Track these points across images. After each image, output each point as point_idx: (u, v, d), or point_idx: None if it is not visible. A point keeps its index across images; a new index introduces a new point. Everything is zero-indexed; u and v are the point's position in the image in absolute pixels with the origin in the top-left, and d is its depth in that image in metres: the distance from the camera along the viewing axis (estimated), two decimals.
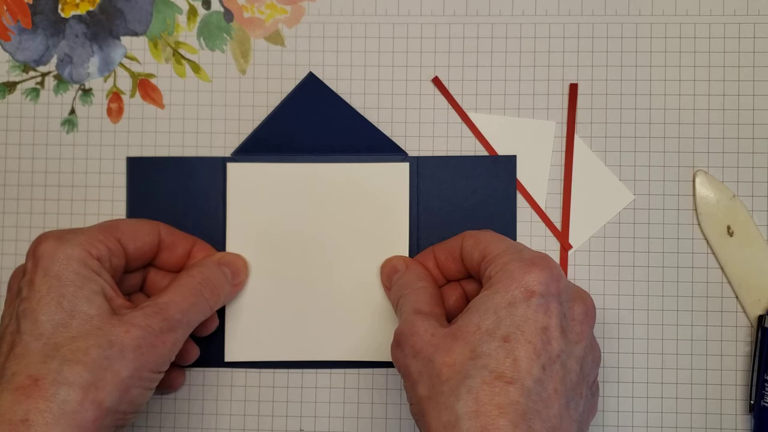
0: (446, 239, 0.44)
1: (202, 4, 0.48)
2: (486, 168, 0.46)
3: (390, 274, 0.44)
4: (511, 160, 0.46)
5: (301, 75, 0.47)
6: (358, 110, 0.47)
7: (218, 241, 0.46)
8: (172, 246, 0.43)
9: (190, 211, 0.46)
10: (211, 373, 0.47)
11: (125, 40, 0.48)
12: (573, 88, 0.47)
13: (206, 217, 0.46)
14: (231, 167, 0.46)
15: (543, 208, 0.47)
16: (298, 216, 0.46)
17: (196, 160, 0.47)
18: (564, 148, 0.47)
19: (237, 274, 0.44)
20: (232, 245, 0.46)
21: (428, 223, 0.46)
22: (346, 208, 0.46)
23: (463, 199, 0.46)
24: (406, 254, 0.46)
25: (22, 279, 0.38)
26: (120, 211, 0.47)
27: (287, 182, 0.46)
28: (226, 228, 0.46)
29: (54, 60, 0.48)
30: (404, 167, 0.46)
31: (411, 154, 0.47)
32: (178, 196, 0.47)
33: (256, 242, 0.46)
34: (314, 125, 0.47)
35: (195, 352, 0.45)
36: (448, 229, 0.45)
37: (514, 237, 0.46)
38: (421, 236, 0.46)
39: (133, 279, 0.43)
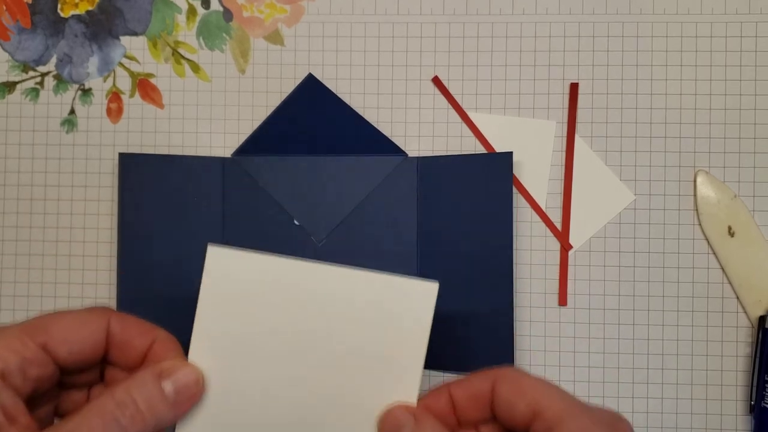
0: (467, 376, 0.35)
1: (202, 4, 0.48)
2: (482, 165, 0.46)
3: (393, 431, 0.35)
4: (506, 157, 0.45)
5: (301, 74, 0.47)
6: (357, 110, 0.47)
7: (215, 242, 0.46)
8: (125, 344, 0.35)
9: (187, 211, 0.46)
10: None
11: (125, 39, 0.48)
12: (573, 88, 0.47)
13: (202, 218, 0.46)
14: (211, 252, 0.35)
15: (543, 208, 0.47)
16: (286, 324, 0.35)
17: (192, 159, 0.47)
18: (564, 148, 0.47)
19: (183, 390, 0.34)
20: (195, 350, 0.35)
21: (428, 223, 0.46)
22: (347, 324, 0.35)
23: (462, 198, 0.46)
24: (415, 399, 0.35)
25: None
26: None
27: (280, 279, 0.36)
28: (198, 308, 0.36)
29: (53, 60, 0.48)
30: (433, 288, 0.35)
31: (411, 154, 0.47)
32: (172, 195, 0.46)
33: (227, 350, 0.35)
34: (314, 126, 0.47)
35: None
36: (447, 229, 0.45)
37: (511, 235, 0.45)
38: (421, 236, 0.46)
39: (85, 377, 0.36)
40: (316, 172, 0.46)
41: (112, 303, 0.47)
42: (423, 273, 0.46)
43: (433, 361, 0.46)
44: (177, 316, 0.45)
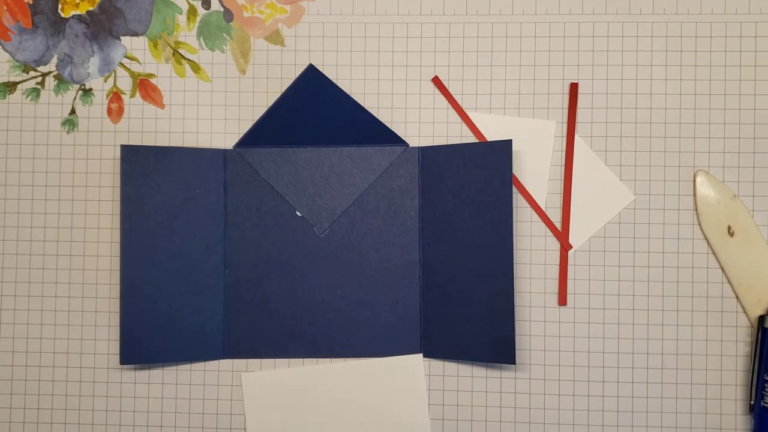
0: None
1: (202, 4, 0.48)
2: (483, 153, 0.46)
3: None
4: (506, 145, 0.45)
5: None
6: None
7: (217, 233, 0.46)
8: None
9: (189, 203, 0.46)
10: (211, 373, 0.47)
11: (125, 40, 0.48)
12: (573, 88, 0.47)
13: (204, 210, 0.46)
14: (245, 377, 0.47)
15: (543, 208, 0.47)
16: (313, 418, 0.47)
17: (194, 151, 0.47)
18: (564, 148, 0.47)
19: None
20: None
21: (430, 212, 0.46)
22: (361, 409, 0.46)
23: (463, 185, 0.46)
24: None
25: None
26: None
27: (300, 386, 0.47)
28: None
29: (54, 60, 0.48)
30: (418, 359, 0.46)
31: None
32: (174, 187, 0.46)
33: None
34: (315, 116, 0.46)
35: None
36: (449, 216, 0.45)
37: (511, 220, 0.45)
38: (423, 226, 0.46)
39: None
40: (317, 163, 0.47)
41: (114, 301, 0.47)
42: (425, 261, 0.46)
43: (434, 349, 0.46)
44: (179, 307, 0.46)
